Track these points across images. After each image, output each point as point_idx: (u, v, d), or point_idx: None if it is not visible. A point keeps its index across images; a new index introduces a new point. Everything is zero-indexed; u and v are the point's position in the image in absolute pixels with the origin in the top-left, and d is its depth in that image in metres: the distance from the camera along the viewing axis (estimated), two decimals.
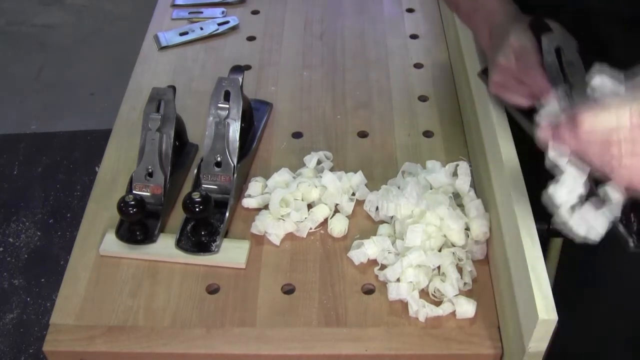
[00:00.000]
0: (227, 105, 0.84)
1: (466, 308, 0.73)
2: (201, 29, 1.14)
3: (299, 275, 0.78)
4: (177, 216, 0.83)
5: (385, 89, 1.03)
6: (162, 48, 1.11)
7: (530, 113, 0.71)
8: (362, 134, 0.96)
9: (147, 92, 0.84)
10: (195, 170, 0.85)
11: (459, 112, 0.98)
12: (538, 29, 0.70)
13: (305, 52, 1.11)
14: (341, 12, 1.20)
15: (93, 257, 0.80)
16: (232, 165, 0.84)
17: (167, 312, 0.75)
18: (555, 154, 0.60)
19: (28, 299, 1.80)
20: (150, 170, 0.83)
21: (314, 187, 0.84)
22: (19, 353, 1.69)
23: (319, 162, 0.89)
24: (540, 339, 0.62)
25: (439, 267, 0.76)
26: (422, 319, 0.73)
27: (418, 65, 1.07)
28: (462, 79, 0.95)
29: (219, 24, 1.14)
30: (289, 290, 0.77)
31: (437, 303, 0.74)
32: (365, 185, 0.86)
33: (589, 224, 0.61)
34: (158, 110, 0.84)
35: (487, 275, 0.77)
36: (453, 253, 0.77)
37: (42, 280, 1.84)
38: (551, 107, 0.66)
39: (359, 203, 0.85)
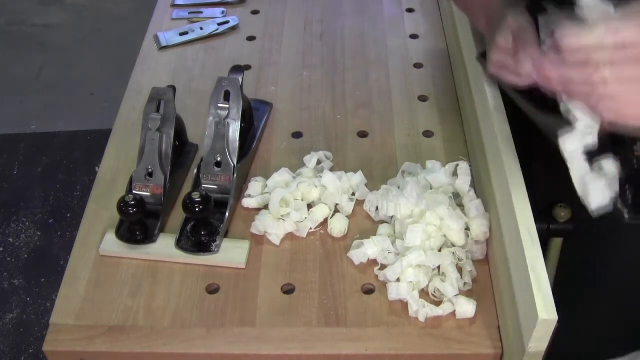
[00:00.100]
0: (227, 105, 0.84)
1: (466, 308, 0.73)
2: (201, 29, 1.14)
3: (299, 275, 0.78)
4: (177, 216, 0.83)
5: (385, 89, 1.03)
6: (162, 48, 1.11)
7: (528, 94, 0.70)
8: (362, 134, 0.96)
9: (147, 92, 0.84)
10: (195, 170, 0.85)
11: (459, 112, 0.98)
12: (535, 11, 0.70)
13: (305, 52, 1.11)
14: (341, 12, 1.20)
15: (93, 257, 0.80)
16: (232, 165, 0.84)
17: (167, 312, 0.75)
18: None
19: (28, 299, 1.80)
20: (150, 170, 0.83)
21: (314, 187, 0.84)
22: (19, 353, 1.69)
23: (319, 162, 0.89)
24: (540, 339, 0.62)
25: (439, 267, 0.76)
26: (422, 319, 0.73)
27: (418, 65, 1.07)
28: (462, 79, 0.95)
29: (219, 24, 1.14)
30: (289, 290, 0.77)
31: (437, 303, 0.74)
32: (365, 185, 0.86)
33: (595, 193, 0.61)
34: (158, 110, 0.84)
35: (487, 275, 0.77)
36: (453, 253, 0.77)
37: (42, 280, 1.84)
38: None
39: (359, 203, 0.85)
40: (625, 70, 0.55)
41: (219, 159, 0.84)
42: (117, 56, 2.38)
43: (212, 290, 0.77)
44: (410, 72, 1.06)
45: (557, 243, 0.90)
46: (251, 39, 1.14)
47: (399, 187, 0.83)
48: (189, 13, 1.18)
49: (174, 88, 0.84)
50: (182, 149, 0.90)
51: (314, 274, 0.78)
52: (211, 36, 1.13)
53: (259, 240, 0.82)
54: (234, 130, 0.84)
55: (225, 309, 0.75)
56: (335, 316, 0.74)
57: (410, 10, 1.19)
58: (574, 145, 0.61)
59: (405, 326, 0.73)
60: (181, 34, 1.13)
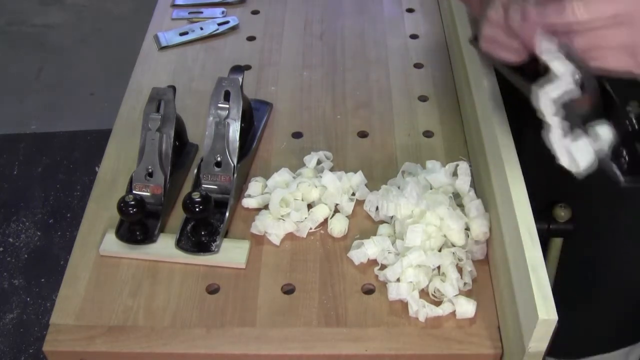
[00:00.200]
0: (227, 105, 0.84)
1: (466, 308, 0.73)
2: (201, 29, 1.14)
3: (299, 275, 0.78)
4: (177, 216, 0.83)
5: (385, 89, 1.03)
6: (162, 48, 1.11)
7: (520, 70, 0.71)
8: (362, 134, 0.96)
9: (147, 92, 0.84)
10: (195, 170, 0.85)
11: (459, 112, 0.98)
12: None
13: (305, 52, 1.11)
14: (341, 12, 1.20)
15: (93, 257, 0.80)
16: (232, 165, 0.84)
17: (167, 312, 0.75)
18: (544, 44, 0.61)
19: (28, 299, 1.80)
20: (150, 170, 0.83)
21: (314, 187, 0.84)
22: (19, 353, 1.69)
23: (319, 162, 0.89)
24: (540, 339, 0.62)
25: (439, 267, 0.76)
26: (422, 319, 0.73)
27: (418, 65, 1.07)
28: (462, 79, 0.95)
29: (219, 24, 1.14)
30: (289, 290, 0.77)
31: (437, 303, 0.74)
32: (365, 185, 0.86)
33: (572, 155, 0.61)
34: (158, 110, 0.84)
35: (487, 275, 0.77)
36: (453, 253, 0.77)
37: (42, 280, 1.84)
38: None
39: (359, 203, 0.85)
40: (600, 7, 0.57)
41: (219, 159, 0.84)
42: (117, 56, 2.38)
43: (212, 290, 0.77)
44: (410, 72, 1.06)
45: (557, 243, 0.90)
46: (251, 39, 1.14)
47: (399, 187, 0.83)
48: (189, 13, 1.18)
49: (174, 88, 0.84)
50: (182, 149, 0.90)
51: (314, 274, 0.78)
52: (211, 36, 1.13)
53: (259, 240, 0.82)
54: (234, 130, 0.84)
55: (225, 309, 0.75)
56: (335, 316, 0.74)
57: (410, 10, 1.19)
58: (549, 97, 0.62)
59: (405, 326, 0.73)
60: (181, 34, 1.13)
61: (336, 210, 0.84)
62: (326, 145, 0.94)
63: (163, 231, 0.82)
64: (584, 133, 0.62)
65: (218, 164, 0.84)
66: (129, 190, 0.83)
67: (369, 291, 0.76)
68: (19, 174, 2.14)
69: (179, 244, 0.80)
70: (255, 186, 0.86)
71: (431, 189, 0.83)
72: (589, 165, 0.62)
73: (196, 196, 0.77)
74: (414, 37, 1.13)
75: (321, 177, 0.85)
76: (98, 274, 0.79)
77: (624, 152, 0.64)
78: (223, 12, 1.18)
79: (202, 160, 0.85)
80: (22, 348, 1.70)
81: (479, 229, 0.77)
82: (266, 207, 0.83)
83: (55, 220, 1.99)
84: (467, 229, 0.78)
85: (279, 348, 0.72)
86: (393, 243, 0.78)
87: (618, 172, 0.64)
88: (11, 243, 1.94)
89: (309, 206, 0.84)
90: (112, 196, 0.86)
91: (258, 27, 1.16)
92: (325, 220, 0.83)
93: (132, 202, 0.77)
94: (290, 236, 0.82)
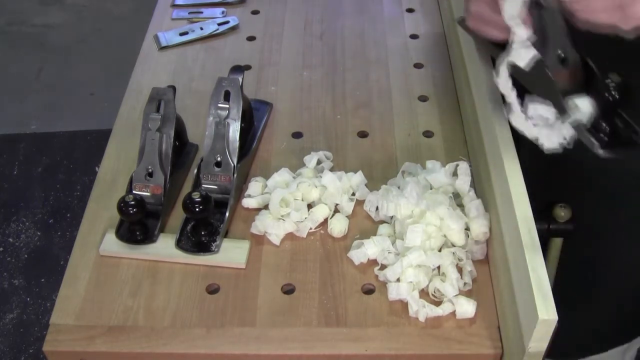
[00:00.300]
0: (227, 105, 0.84)
1: (466, 308, 0.73)
2: (201, 29, 1.14)
3: (299, 275, 0.78)
4: (177, 216, 0.83)
5: (385, 89, 1.03)
6: (162, 48, 1.11)
7: (504, 47, 0.71)
8: (362, 134, 0.96)
9: (147, 92, 0.84)
10: (195, 170, 0.85)
11: (459, 112, 0.98)
12: None
13: (305, 52, 1.11)
14: (341, 12, 1.20)
15: (93, 257, 0.80)
16: (232, 165, 0.84)
17: (167, 312, 0.75)
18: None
19: (28, 299, 1.80)
20: (150, 170, 0.83)
21: (314, 187, 0.84)
22: (19, 353, 1.69)
23: (319, 162, 0.89)
24: (540, 339, 0.62)
25: (439, 267, 0.76)
26: (422, 319, 0.73)
27: (418, 65, 1.07)
28: (462, 79, 0.95)
29: (219, 24, 1.14)
30: (289, 290, 0.77)
31: (437, 303, 0.74)
32: (365, 185, 0.86)
33: (543, 133, 0.63)
34: (158, 110, 0.84)
35: (487, 275, 0.77)
36: (453, 253, 0.77)
37: (42, 280, 1.84)
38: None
39: (359, 203, 0.85)
40: None
41: (219, 159, 0.84)
42: (117, 56, 2.38)
43: (212, 290, 0.77)
44: (410, 72, 1.06)
45: (557, 243, 0.90)
46: (251, 39, 1.14)
47: (399, 187, 0.83)
48: (189, 13, 1.18)
49: (174, 88, 0.84)
50: (182, 149, 0.90)
51: (314, 274, 0.78)
52: (211, 36, 1.13)
53: (259, 240, 0.82)
54: (234, 130, 0.84)
55: (225, 309, 0.75)
56: (335, 316, 0.74)
57: (410, 10, 1.19)
58: (508, 63, 0.63)
59: (405, 326, 0.73)
60: (181, 34, 1.13)
61: (336, 210, 0.84)
62: (326, 145, 0.94)
63: (163, 231, 0.82)
64: (558, 114, 0.63)
65: (218, 164, 0.84)
66: (129, 190, 0.83)
67: (369, 291, 0.76)
68: (19, 174, 2.14)
69: (179, 244, 0.80)
70: (255, 186, 0.86)
71: (431, 189, 0.83)
72: (554, 147, 0.63)
73: (196, 196, 0.77)
74: (414, 37, 1.13)
75: (321, 177, 0.85)
76: (98, 274, 0.79)
77: (604, 125, 0.64)
78: (223, 12, 1.18)
79: (202, 160, 0.85)
80: (22, 348, 1.70)
81: (479, 229, 0.77)
82: (266, 207, 0.83)
83: (55, 220, 1.99)
84: (467, 229, 0.78)
85: (279, 348, 0.72)
86: (393, 243, 0.78)
87: (596, 144, 0.64)
88: (11, 243, 1.94)
89: (309, 206, 0.84)
90: (112, 196, 0.86)
91: (258, 27, 1.16)
92: (325, 220, 0.83)
93: (132, 202, 0.77)
94: (290, 236, 0.82)
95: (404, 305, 0.74)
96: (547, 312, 0.59)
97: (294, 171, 0.88)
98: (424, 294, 0.75)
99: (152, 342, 0.72)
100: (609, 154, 0.64)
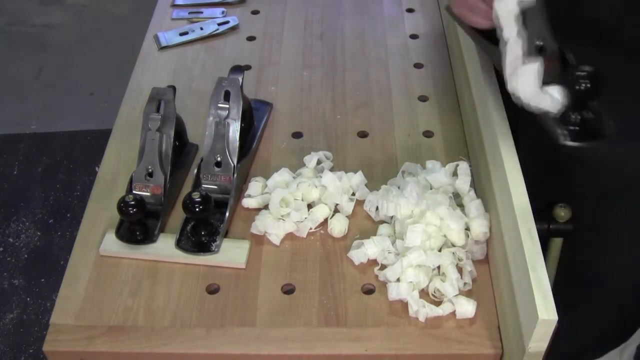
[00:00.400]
0: (227, 105, 0.84)
1: (466, 308, 0.73)
2: (201, 29, 1.14)
3: (299, 275, 0.78)
4: (177, 216, 0.83)
5: (385, 89, 1.03)
6: (162, 48, 1.11)
7: (487, 34, 0.73)
8: (362, 134, 0.96)
9: (147, 92, 0.84)
10: (195, 170, 0.85)
11: (459, 112, 0.98)
12: None
13: (305, 52, 1.11)
14: (341, 12, 1.20)
15: (93, 257, 0.80)
16: (232, 165, 0.84)
17: (167, 312, 0.75)
18: None
19: (28, 299, 1.80)
20: (150, 170, 0.83)
21: (314, 187, 0.84)
22: (19, 353, 1.69)
23: (319, 162, 0.89)
24: (540, 339, 0.62)
25: (439, 267, 0.76)
26: (422, 319, 0.73)
27: (418, 65, 1.07)
28: (462, 79, 0.95)
29: (219, 24, 1.14)
30: (289, 290, 0.77)
31: (437, 303, 0.74)
32: (365, 185, 0.86)
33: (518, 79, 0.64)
34: (158, 110, 0.84)
35: (487, 275, 0.77)
36: (453, 253, 0.77)
37: (42, 280, 1.84)
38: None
39: (359, 203, 0.85)
40: None
41: (219, 159, 0.84)
42: (117, 56, 2.38)
43: (212, 290, 0.77)
44: (410, 72, 1.06)
45: (557, 243, 0.90)
46: (251, 39, 1.14)
47: (399, 187, 0.83)
48: (189, 13, 1.18)
49: (174, 88, 0.84)
50: (182, 149, 0.90)
51: (314, 274, 0.78)
52: (211, 36, 1.13)
53: (259, 240, 0.82)
54: (234, 130, 0.84)
55: (225, 309, 0.75)
56: (335, 316, 0.74)
57: (410, 10, 1.19)
58: (508, 5, 0.64)
59: (405, 326, 0.73)
60: (181, 34, 1.13)
61: (336, 210, 0.84)
62: (326, 145, 0.94)
63: (163, 231, 0.82)
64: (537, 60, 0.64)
65: (218, 164, 0.84)
66: (129, 190, 0.83)
67: (369, 291, 0.76)
68: (19, 174, 2.14)
69: (179, 244, 0.80)
70: (255, 186, 0.86)
71: (431, 189, 0.83)
72: (530, 94, 0.63)
73: (196, 196, 0.77)
74: (414, 37, 1.13)
75: (321, 177, 0.85)
76: (98, 274, 0.79)
77: (573, 117, 0.66)
78: (223, 12, 1.18)
79: (202, 160, 0.85)
80: (22, 348, 1.70)
81: (479, 229, 0.77)
82: (266, 207, 0.83)
83: (55, 220, 1.99)
84: (467, 229, 0.78)
85: (279, 348, 0.72)
86: (393, 243, 0.78)
87: (562, 135, 0.65)
88: (11, 243, 1.94)
89: (309, 206, 0.84)
90: (112, 196, 0.86)
91: (258, 27, 1.16)
92: (325, 220, 0.83)
93: (132, 202, 0.77)
94: (290, 236, 0.82)
95: (404, 305, 0.74)
96: (547, 312, 0.59)
97: (294, 171, 0.88)
98: (424, 294, 0.75)
99: (152, 342, 0.72)
100: (576, 144, 0.65)
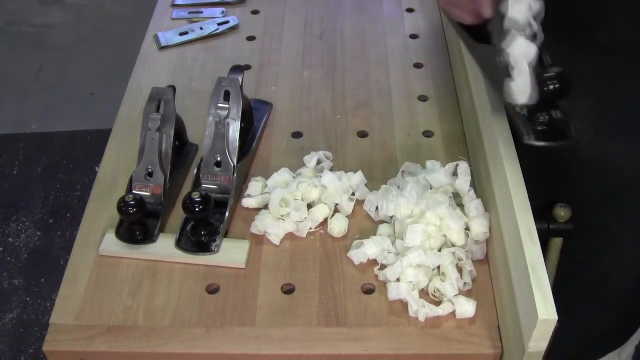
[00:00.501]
0: (227, 105, 0.84)
1: (466, 308, 0.73)
2: (201, 29, 1.14)
3: (299, 275, 0.78)
4: (177, 216, 0.83)
5: (385, 89, 1.03)
6: (162, 48, 1.11)
7: (469, 29, 0.74)
8: (362, 134, 0.96)
9: (147, 92, 0.84)
10: (195, 170, 0.85)
11: (459, 112, 0.98)
12: None
13: (305, 52, 1.11)
14: (341, 12, 1.20)
15: (93, 257, 0.80)
16: (232, 165, 0.84)
17: (167, 312, 0.75)
18: None
19: (28, 299, 1.80)
20: (150, 170, 0.83)
21: (314, 187, 0.84)
22: (19, 353, 1.69)
23: (319, 162, 0.89)
24: (540, 339, 0.62)
25: (439, 267, 0.76)
26: (422, 319, 0.73)
27: (418, 65, 1.07)
28: (462, 79, 0.95)
29: (219, 24, 1.14)
30: (289, 290, 0.77)
31: (437, 303, 0.74)
32: (365, 185, 0.86)
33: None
34: (158, 110, 0.84)
35: (487, 275, 0.77)
36: (453, 253, 0.77)
37: (42, 280, 1.84)
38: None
39: (359, 203, 0.85)
40: None
41: (219, 159, 0.84)
42: (117, 56, 2.38)
43: (212, 290, 0.77)
44: (410, 72, 1.06)
45: (557, 243, 0.90)
46: (251, 39, 1.14)
47: (399, 187, 0.83)
48: (189, 13, 1.18)
49: (174, 88, 0.84)
50: (182, 149, 0.90)
51: (314, 274, 0.78)
52: (211, 36, 1.13)
53: (259, 240, 0.82)
54: (234, 130, 0.84)
55: (225, 309, 0.75)
56: (335, 316, 0.74)
57: (410, 10, 1.19)
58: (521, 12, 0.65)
59: (405, 326, 0.73)
60: (181, 34, 1.13)
61: (336, 210, 0.84)
62: (326, 145, 0.94)
63: (163, 231, 0.82)
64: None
65: (218, 164, 0.84)
66: (129, 190, 0.83)
67: (369, 291, 0.76)
68: (19, 174, 2.14)
69: (179, 244, 0.80)
70: (255, 186, 0.86)
71: (431, 189, 0.83)
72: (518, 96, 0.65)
73: (196, 196, 0.77)
74: (414, 37, 1.13)
75: (321, 177, 0.85)
76: (98, 274, 0.79)
77: (541, 117, 0.67)
78: (223, 12, 1.18)
79: (202, 160, 0.85)
80: (22, 348, 1.70)
81: (479, 229, 0.77)
82: (266, 207, 0.83)
83: (55, 220, 1.99)
84: (467, 229, 0.78)
85: (279, 348, 0.72)
86: (393, 243, 0.78)
87: (524, 131, 0.67)
88: (11, 243, 1.94)
89: (309, 206, 0.84)
90: (112, 196, 0.86)
91: (258, 27, 1.16)
92: (325, 220, 0.83)
93: (132, 202, 0.77)
94: (290, 236, 0.82)
95: (404, 305, 0.74)
96: (547, 312, 0.59)
97: (294, 171, 0.88)
98: (424, 294, 0.75)
99: (152, 342, 0.72)
100: (540, 144, 0.67)
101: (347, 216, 0.83)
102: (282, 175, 0.86)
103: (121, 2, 2.82)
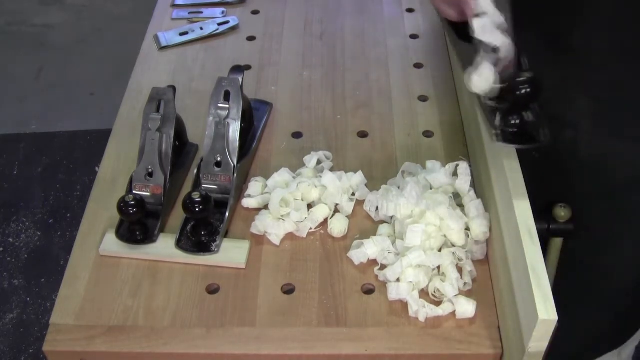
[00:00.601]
0: (227, 105, 0.84)
1: (466, 308, 0.73)
2: (201, 29, 1.14)
3: (299, 275, 0.78)
4: (177, 216, 0.83)
5: (385, 89, 1.03)
6: (162, 48, 1.11)
7: (454, 25, 0.76)
8: (362, 134, 0.96)
9: (147, 92, 0.84)
10: (195, 170, 0.85)
11: (459, 112, 0.98)
12: None
13: (305, 52, 1.11)
14: (341, 12, 1.20)
15: (93, 257, 0.80)
16: (232, 165, 0.84)
17: (167, 312, 0.75)
18: None
19: (28, 299, 1.80)
20: (150, 170, 0.83)
21: (314, 187, 0.84)
22: (19, 353, 1.69)
23: (319, 162, 0.89)
24: (540, 339, 0.62)
25: (439, 267, 0.76)
26: (422, 319, 0.73)
27: (418, 65, 1.07)
28: (462, 79, 0.95)
29: (219, 24, 1.14)
30: (289, 290, 0.77)
31: (437, 303, 0.74)
32: (365, 185, 0.86)
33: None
34: (158, 110, 0.84)
35: (487, 275, 0.77)
36: (453, 253, 0.77)
37: (42, 280, 1.84)
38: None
39: (359, 203, 0.85)
40: None
41: (219, 159, 0.84)
42: (117, 56, 2.38)
43: (212, 290, 0.77)
44: (410, 72, 1.06)
45: (557, 243, 0.90)
46: (251, 39, 1.14)
47: (399, 187, 0.83)
48: (189, 13, 1.18)
49: (174, 88, 0.84)
50: (182, 149, 0.90)
51: (314, 274, 0.78)
52: (211, 36, 1.13)
53: (259, 240, 0.82)
54: (234, 130, 0.84)
55: (225, 309, 0.75)
56: (335, 316, 0.74)
57: (410, 10, 1.19)
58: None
59: (405, 326, 0.73)
60: (181, 34, 1.13)
61: (336, 210, 0.84)
62: (326, 145, 0.94)
63: (163, 231, 0.82)
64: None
65: (218, 164, 0.84)
66: (129, 190, 0.83)
67: (369, 291, 0.76)
68: (19, 174, 2.14)
69: (179, 244, 0.80)
70: (255, 186, 0.86)
71: (431, 189, 0.83)
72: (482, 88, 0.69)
73: (196, 196, 0.77)
74: (414, 37, 1.13)
75: (321, 177, 0.85)
76: (98, 274, 0.79)
77: (512, 120, 0.69)
78: (223, 12, 1.18)
79: (202, 160, 0.85)
80: (22, 348, 1.70)
81: (479, 229, 0.77)
82: (266, 207, 0.83)
83: (55, 220, 1.99)
84: (467, 229, 0.78)
85: (279, 348, 0.72)
86: (393, 243, 0.78)
87: (492, 132, 0.69)
88: (11, 243, 1.94)
89: (309, 206, 0.84)
90: (112, 196, 0.86)
91: (258, 27, 1.16)
92: (325, 220, 0.83)
93: (132, 202, 0.77)
94: (290, 236, 0.82)
95: (404, 305, 0.74)
96: (547, 312, 0.59)
97: (294, 171, 0.88)
98: (424, 294, 0.75)
99: (152, 342, 0.72)
100: (508, 146, 0.69)
101: (347, 216, 0.83)
102: (282, 175, 0.86)
103: (121, 2, 2.82)
